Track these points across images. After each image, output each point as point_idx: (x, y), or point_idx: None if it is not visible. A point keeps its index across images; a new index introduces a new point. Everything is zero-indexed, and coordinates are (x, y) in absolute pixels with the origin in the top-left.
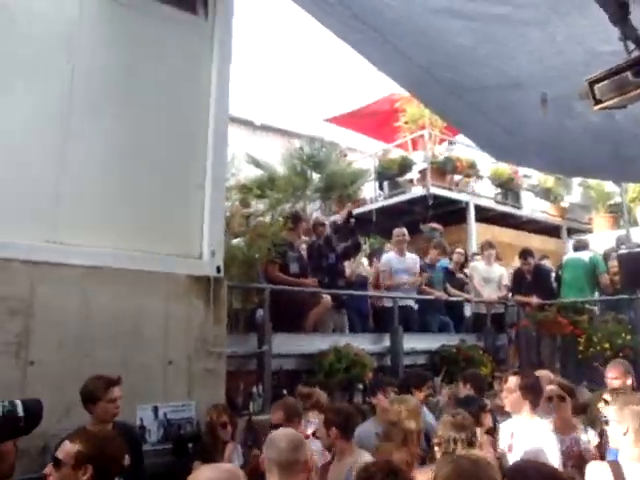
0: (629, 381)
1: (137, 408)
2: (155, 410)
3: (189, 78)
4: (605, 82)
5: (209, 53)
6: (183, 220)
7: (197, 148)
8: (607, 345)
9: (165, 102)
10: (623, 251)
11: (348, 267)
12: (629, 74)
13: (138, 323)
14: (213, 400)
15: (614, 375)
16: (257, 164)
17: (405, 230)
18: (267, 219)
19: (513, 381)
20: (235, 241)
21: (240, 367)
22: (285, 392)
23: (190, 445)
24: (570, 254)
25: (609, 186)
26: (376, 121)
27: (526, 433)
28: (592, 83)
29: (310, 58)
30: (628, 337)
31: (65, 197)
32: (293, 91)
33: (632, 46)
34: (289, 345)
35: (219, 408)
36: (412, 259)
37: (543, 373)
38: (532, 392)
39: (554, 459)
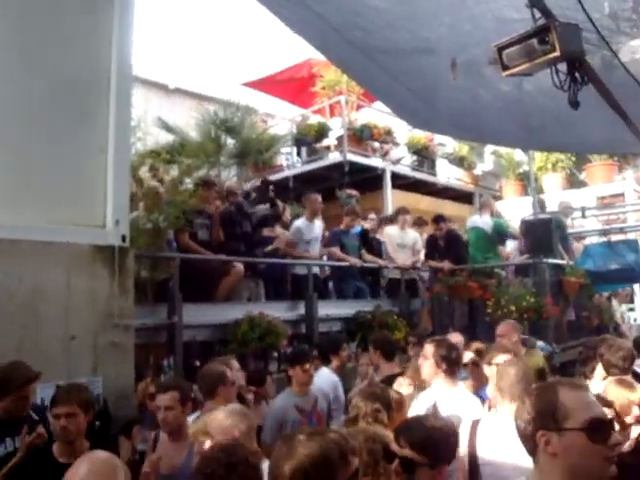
0: (514, 338)
1: (37, 388)
2: (57, 388)
3: (87, 29)
4: (513, 48)
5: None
6: (84, 187)
7: (98, 108)
8: (513, 307)
9: (60, 55)
10: (528, 218)
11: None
12: (535, 41)
13: (36, 298)
14: (121, 375)
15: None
16: (169, 129)
17: (318, 196)
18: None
19: (429, 350)
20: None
21: (150, 339)
22: (198, 363)
23: (97, 423)
24: (472, 221)
25: (518, 155)
26: (294, 86)
27: (449, 400)
28: (500, 49)
29: (227, 21)
30: (532, 299)
31: None
32: (209, 54)
33: (538, 14)
34: (201, 315)
35: (147, 380)
36: (320, 227)
37: (455, 337)
38: (446, 361)
39: None
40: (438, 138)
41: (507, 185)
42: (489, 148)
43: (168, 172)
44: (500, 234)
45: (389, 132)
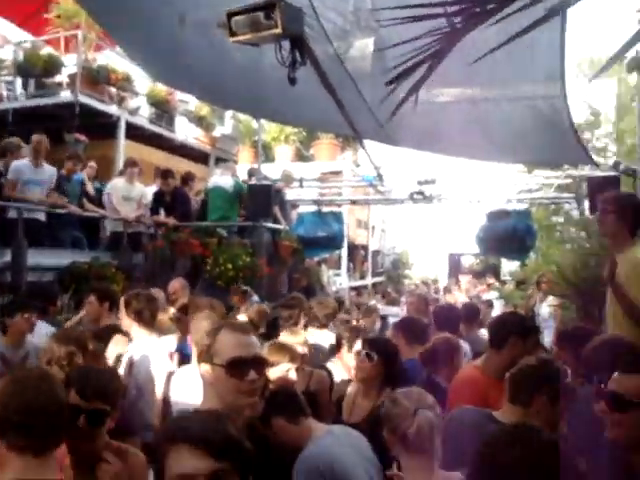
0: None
1: None
2: None
3: None
4: (241, 17)
5: None
6: None
7: None
8: (230, 266)
9: None
10: (252, 183)
11: None
12: (262, 15)
13: None
14: None
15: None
16: None
17: (45, 138)
18: None
19: (125, 303)
20: None
21: None
22: None
23: None
24: (213, 180)
25: (256, 123)
26: (23, 7)
27: (144, 349)
28: (230, 15)
29: None
30: (248, 259)
31: None
32: None
33: None
34: None
35: None
36: (50, 172)
37: (157, 292)
38: (141, 313)
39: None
40: (180, 94)
41: (243, 151)
42: (230, 112)
43: None
44: (240, 194)
45: (128, 79)
